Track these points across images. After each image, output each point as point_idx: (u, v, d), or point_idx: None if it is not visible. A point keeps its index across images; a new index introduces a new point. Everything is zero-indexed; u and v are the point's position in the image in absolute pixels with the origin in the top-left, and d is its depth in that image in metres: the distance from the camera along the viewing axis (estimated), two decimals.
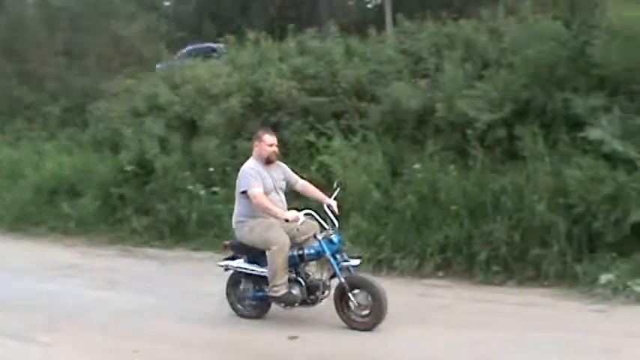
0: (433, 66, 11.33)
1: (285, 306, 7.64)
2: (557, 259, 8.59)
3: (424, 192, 9.67)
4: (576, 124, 9.32)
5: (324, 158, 10.86)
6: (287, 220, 7.38)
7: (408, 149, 10.60)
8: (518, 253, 8.80)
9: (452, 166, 9.72)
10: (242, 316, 7.97)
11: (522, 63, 10.15)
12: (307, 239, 7.67)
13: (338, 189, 7.97)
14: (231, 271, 8.02)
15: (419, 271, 9.29)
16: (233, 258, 7.99)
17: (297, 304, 7.60)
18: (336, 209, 7.74)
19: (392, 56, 11.98)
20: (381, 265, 9.53)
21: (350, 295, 7.29)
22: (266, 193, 7.56)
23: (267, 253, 7.43)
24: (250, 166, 7.74)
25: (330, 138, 11.13)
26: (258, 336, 7.47)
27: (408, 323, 7.44)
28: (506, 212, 8.99)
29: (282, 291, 7.48)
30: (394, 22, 17.04)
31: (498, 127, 9.77)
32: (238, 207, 7.80)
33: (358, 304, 7.29)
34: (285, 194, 7.97)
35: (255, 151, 7.89)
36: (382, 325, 7.24)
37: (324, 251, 7.39)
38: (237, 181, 7.75)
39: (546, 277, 8.59)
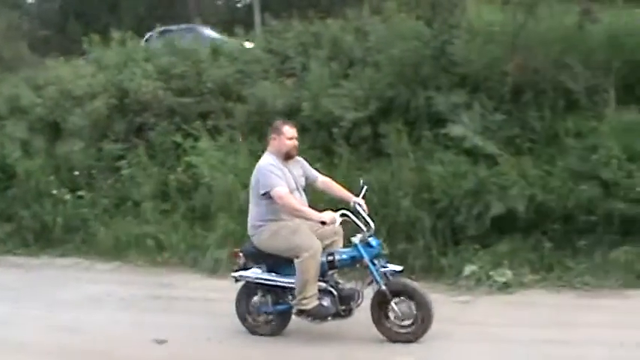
0: (299, 65, 11.39)
1: (314, 320, 6.77)
2: (423, 253, 8.80)
3: None
4: (439, 121, 9.58)
5: (191, 159, 10.75)
6: (324, 223, 6.53)
7: None
8: (385, 248, 8.88)
9: (318, 165, 9.69)
10: (256, 333, 7.07)
11: (387, 62, 10.36)
12: (332, 243, 6.89)
13: (365, 187, 7.18)
14: (241, 283, 7.10)
15: None
16: (244, 267, 7.03)
17: (329, 318, 6.75)
18: (365, 208, 6.92)
19: (258, 56, 11.99)
20: None
21: (393, 304, 6.57)
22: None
23: (295, 261, 6.53)
24: (269, 162, 6.78)
25: (196, 139, 11.00)
26: (126, 341, 7.23)
27: None
28: (372, 209, 9.07)
29: (313, 303, 6.62)
30: (263, 21, 17.04)
31: (363, 125, 9.92)
32: (256, 209, 6.84)
33: (401, 313, 6.58)
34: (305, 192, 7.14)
35: (273, 145, 6.94)
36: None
37: (360, 256, 6.62)
38: (253, 181, 6.82)
39: (413, 271, 8.67)
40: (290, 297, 6.83)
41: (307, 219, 6.62)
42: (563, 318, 7.19)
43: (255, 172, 6.85)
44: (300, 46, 11.90)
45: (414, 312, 6.56)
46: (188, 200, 10.76)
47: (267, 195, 6.63)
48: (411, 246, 8.81)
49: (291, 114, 10.60)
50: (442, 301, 7.91)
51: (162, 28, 17.82)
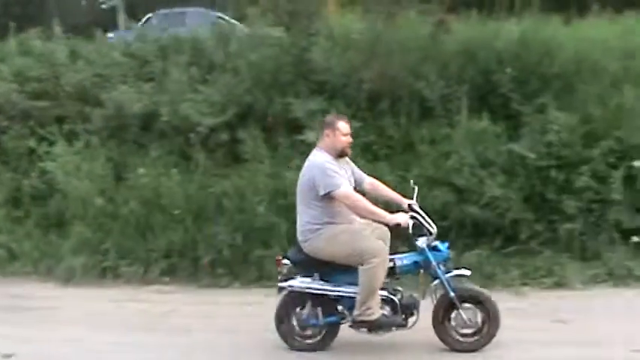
0: (159, 70, 11.17)
1: (376, 331, 6.32)
2: None
3: (148, 197, 9.51)
4: (296, 128, 9.61)
5: (46, 165, 10.34)
6: (398, 225, 6.02)
7: (132, 154, 10.34)
8: (242, 255, 8.89)
9: (175, 170, 9.66)
10: (301, 349, 6.53)
11: (246, 68, 10.33)
12: None
13: (417, 188, 6.68)
14: (282, 295, 6.54)
15: (145, 278, 9.11)
16: (288, 277, 6.47)
17: (394, 328, 6.31)
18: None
19: (117, 59, 11.67)
20: (106, 272, 9.26)
21: (461, 311, 6.27)
22: None
23: (361, 268, 6.01)
24: (327, 160, 6.22)
25: (52, 143, 10.60)
26: None
27: (134, 331, 7.36)
28: (228, 215, 9.09)
29: (378, 313, 6.16)
30: (127, 24, 16.70)
31: (221, 130, 9.85)
32: (309, 212, 6.25)
33: (469, 320, 6.29)
34: None
35: (326, 142, 6.37)
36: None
37: (426, 261, 6.23)
38: (306, 180, 6.24)
39: (269, 278, 8.69)
40: (340, 307, 6.40)
41: (379, 221, 6.15)
42: None
43: (308, 170, 6.29)
44: (160, 50, 11.70)
45: (480, 320, 6.33)
46: (42, 207, 10.38)
47: (327, 195, 6.11)
48: (267, 252, 8.76)
49: (149, 119, 10.46)
50: None
51: (167, 10, 16.92)
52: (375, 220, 6.18)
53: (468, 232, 8.82)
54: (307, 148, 9.22)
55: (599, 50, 10.04)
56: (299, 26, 10.47)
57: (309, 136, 9.28)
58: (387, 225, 6.18)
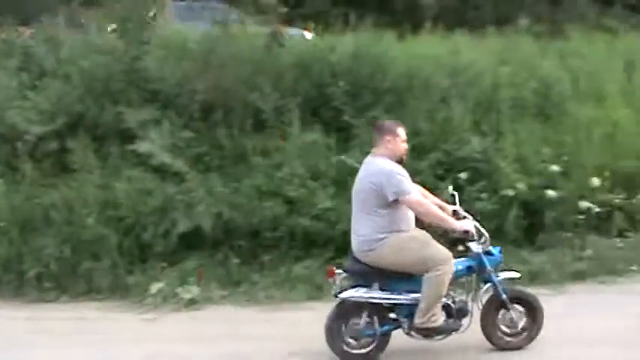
0: None
1: (428, 337, 6.25)
2: (109, 272, 8.61)
3: None
4: (128, 137, 9.47)
5: None
6: (467, 232, 6.10)
7: None
8: (70, 267, 8.64)
9: (0, 181, 9.33)
10: None
11: (78, 75, 10.07)
12: None
13: (457, 194, 6.68)
14: (334, 306, 6.36)
15: None
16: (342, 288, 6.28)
17: (454, 333, 6.29)
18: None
19: None
20: None
21: (512, 312, 6.38)
22: None
23: (427, 275, 5.94)
24: (395, 165, 6.11)
25: None
26: None
27: None
28: (56, 227, 8.83)
29: (440, 319, 6.13)
30: None
31: (50, 139, 9.54)
32: (374, 219, 6.08)
33: (516, 321, 6.44)
34: None
35: (388, 148, 6.20)
36: None
37: (483, 266, 6.25)
38: (373, 186, 6.05)
39: (99, 291, 8.59)
40: (394, 315, 6.29)
41: (449, 228, 6.17)
42: (242, 331, 7.41)
43: (372, 177, 6.11)
44: None
45: (526, 319, 6.50)
46: None
47: (396, 201, 5.99)
48: (96, 264, 8.60)
49: None
50: (128, 320, 7.99)
51: (182, 2, 15.65)
52: (445, 227, 6.21)
53: (299, 243, 8.91)
54: (139, 159, 9.25)
55: (430, 66, 10.40)
56: (132, 33, 10.28)
57: (140, 145, 9.20)
58: (449, 232, 6.33)
